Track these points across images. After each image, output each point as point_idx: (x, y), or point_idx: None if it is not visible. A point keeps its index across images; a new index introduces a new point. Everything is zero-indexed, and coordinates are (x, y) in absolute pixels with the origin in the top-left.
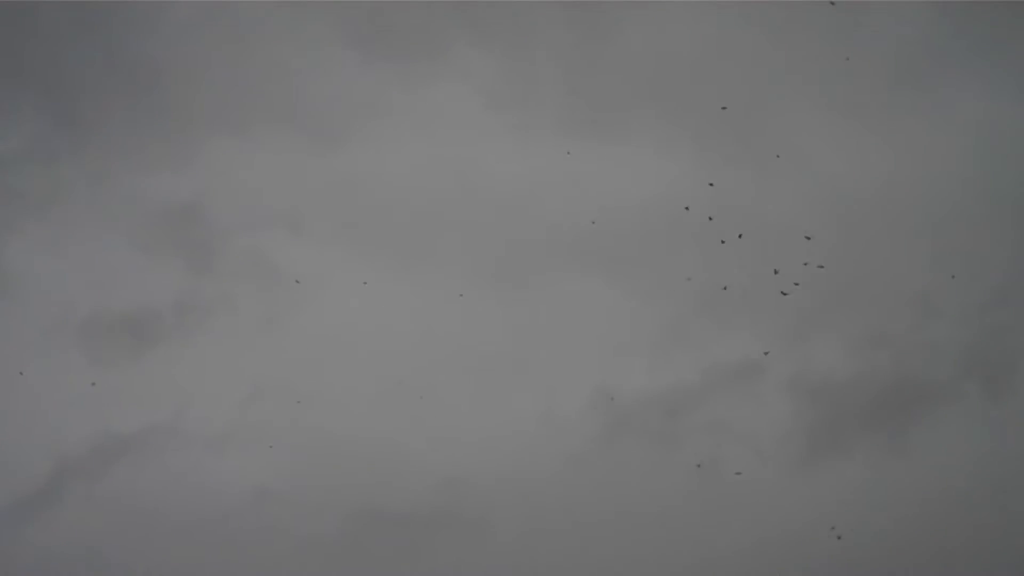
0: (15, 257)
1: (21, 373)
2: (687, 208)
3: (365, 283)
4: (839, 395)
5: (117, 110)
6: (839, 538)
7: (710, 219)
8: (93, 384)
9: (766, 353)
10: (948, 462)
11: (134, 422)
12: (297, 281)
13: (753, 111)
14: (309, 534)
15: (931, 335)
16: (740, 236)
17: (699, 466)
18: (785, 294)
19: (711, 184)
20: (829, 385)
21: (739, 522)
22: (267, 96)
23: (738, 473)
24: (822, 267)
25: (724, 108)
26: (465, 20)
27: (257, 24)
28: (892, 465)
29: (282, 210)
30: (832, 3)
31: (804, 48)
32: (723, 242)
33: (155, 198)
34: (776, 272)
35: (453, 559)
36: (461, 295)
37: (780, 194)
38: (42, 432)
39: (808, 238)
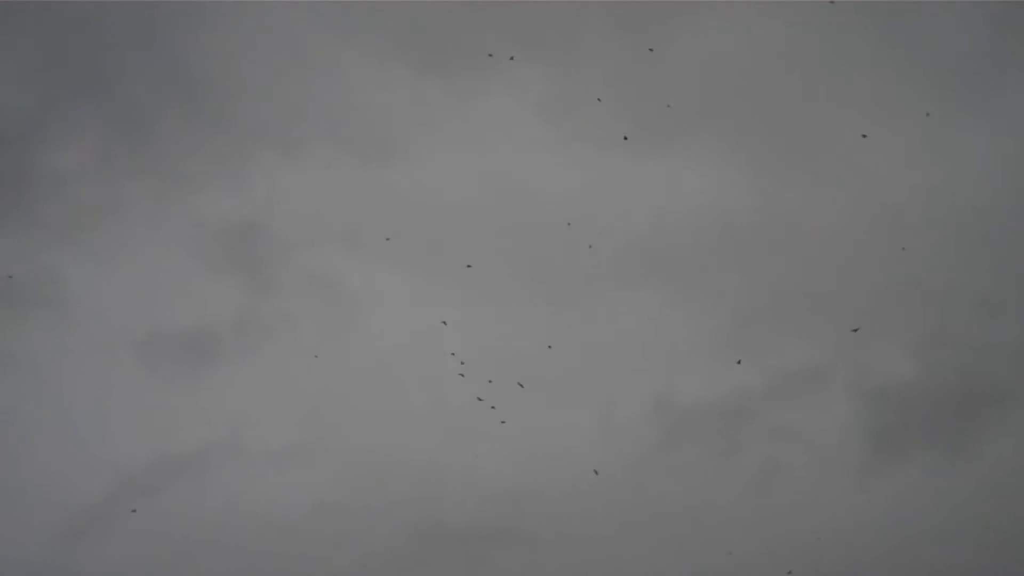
0: (74, 273)
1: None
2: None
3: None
4: (902, 399)
5: (177, 126)
6: None
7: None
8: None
9: (739, 362)
10: (1013, 465)
11: (193, 441)
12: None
13: (804, 118)
14: (368, 549)
15: (994, 337)
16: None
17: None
18: (856, 330)
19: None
20: (891, 389)
21: (801, 527)
22: (321, 112)
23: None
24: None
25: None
26: (514, 32)
27: (311, 39)
28: (956, 469)
29: (338, 227)
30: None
31: (855, 55)
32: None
33: (214, 216)
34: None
35: (511, 572)
36: (518, 307)
37: (833, 200)
38: (101, 451)
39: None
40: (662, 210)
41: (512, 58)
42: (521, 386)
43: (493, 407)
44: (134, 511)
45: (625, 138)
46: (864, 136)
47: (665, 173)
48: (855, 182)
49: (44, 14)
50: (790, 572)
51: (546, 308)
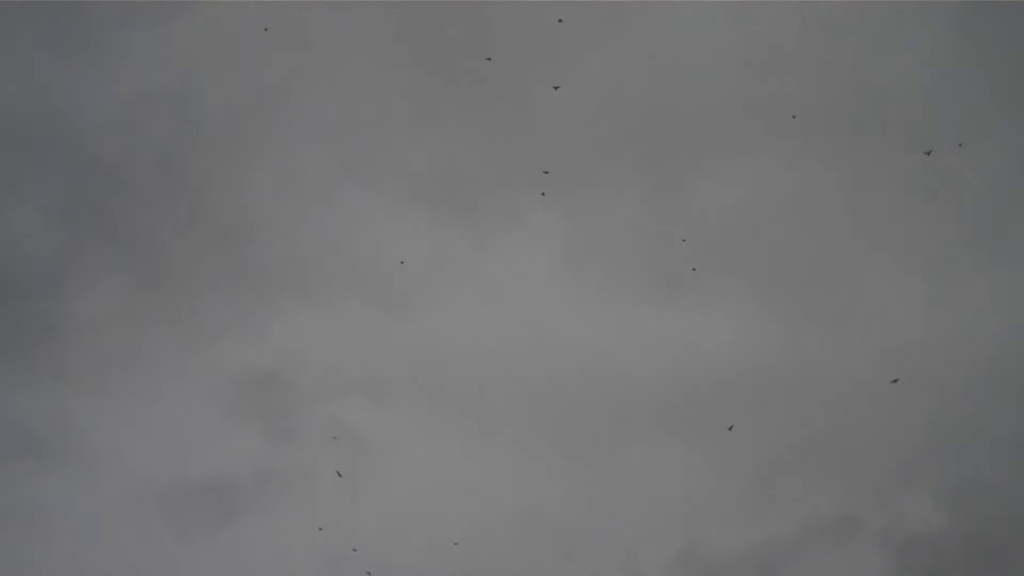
0: (96, 420)
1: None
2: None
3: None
4: (934, 548)
5: (201, 272)
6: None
7: None
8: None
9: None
10: None
11: None
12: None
13: (827, 264)
14: None
15: None
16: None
17: None
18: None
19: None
20: (923, 538)
21: None
22: (344, 260)
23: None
24: None
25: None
26: (538, 181)
27: (335, 186)
28: None
29: (359, 378)
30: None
31: (877, 201)
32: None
33: (236, 365)
34: None
35: None
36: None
37: (859, 346)
38: None
39: (895, 381)
40: (686, 358)
41: (543, 194)
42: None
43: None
44: None
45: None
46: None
47: (688, 321)
48: (881, 327)
49: (69, 159)
50: None
51: (571, 460)
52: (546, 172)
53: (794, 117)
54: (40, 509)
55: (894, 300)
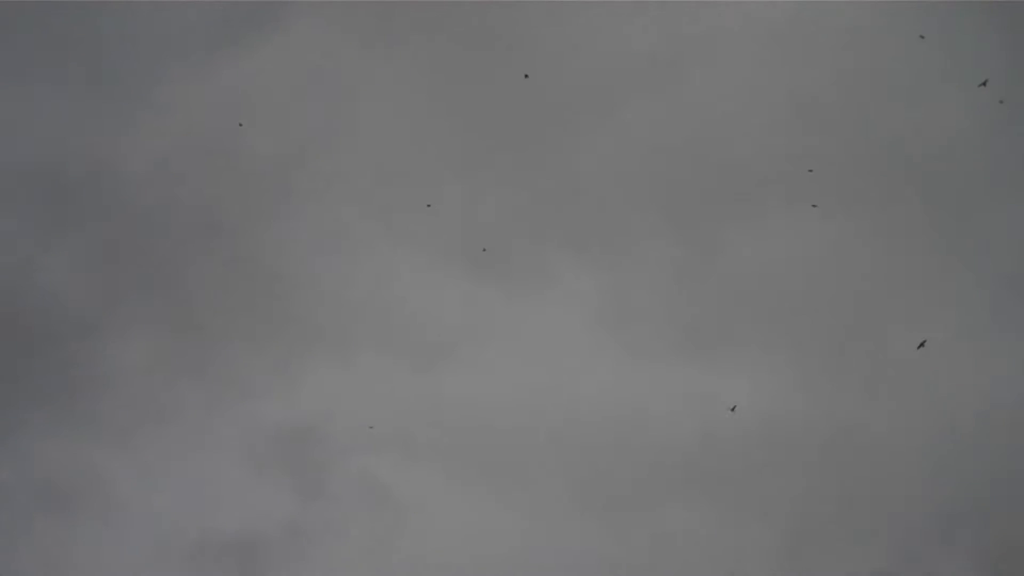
0: (127, 472)
1: None
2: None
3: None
4: None
5: (236, 326)
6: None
7: None
8: None
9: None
10: None
11: None
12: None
13: (856, 325)
14: None
15: None
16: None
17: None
18: None
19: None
20: None
21: None
22: (376, 316)
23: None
24: None
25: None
26: (570, 240)
27: (368, 242)
28: None
29: (390, 434)
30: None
31: (912, 262)
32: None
33: (269, 420)
34: None
35: None
36: (567, 519)
37: (888, 409)
38: None
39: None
40: (716, 417)
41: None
42: None
43: None
44: None
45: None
46: (922, 345)
47: (719, 379)
48: (910, 390)
49: (108, 208)
50: None
51: (597, 516)
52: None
53: (811, 171)
54: (69, 561)
55: (927, 360)
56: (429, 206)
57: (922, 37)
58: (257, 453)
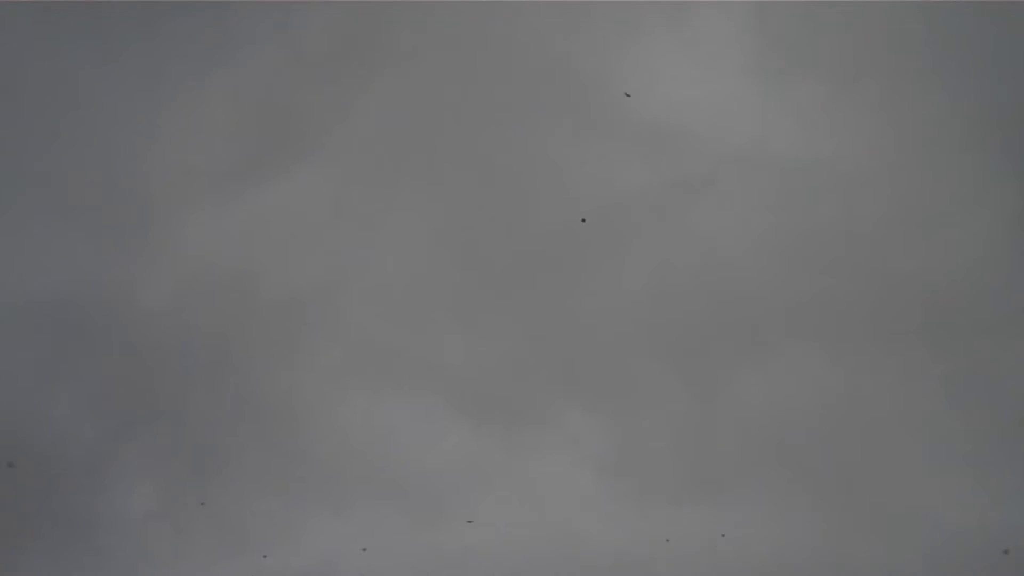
0: None
1: None
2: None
3: None
4: None
5: (241, 471)
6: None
7: None
8: None
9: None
10: None
11: None
12: None
13: (867, 461)
14: None
15: None
16: None
17: None
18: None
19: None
20: None
21: None
22: (375, 464)
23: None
24: None
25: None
26: (573, 385)
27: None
28: None
29: None
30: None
31: (924, 400)
32: None
33: (271, 570)
34: None
35: None
36: None
37: (902, 546)
38: None
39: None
40: (725, 559)
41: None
42: None
43: None
44: None
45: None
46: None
47: (728, 520)
48: (923, 526)
49: (118, 344)
50: None
51: None
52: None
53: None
54: None
55: (938, 499)
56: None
57: None
58: None
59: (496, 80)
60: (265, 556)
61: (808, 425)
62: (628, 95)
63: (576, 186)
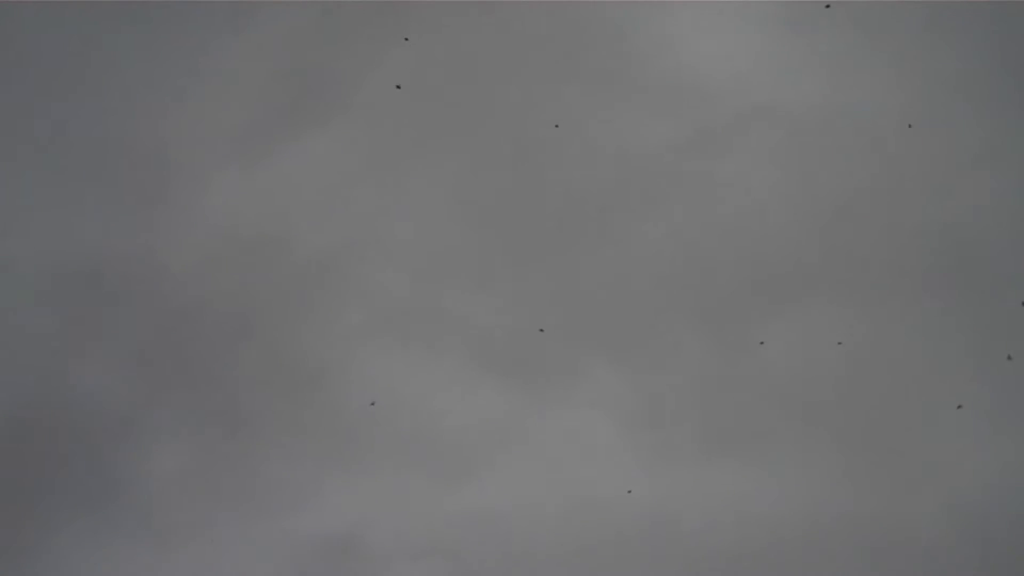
0: None
1: None
2: None
3: None
4: None
5: (272, 431)
6: None
7: None
8: None
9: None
10: None
11: None
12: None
13: (896, 416)
14: None
15: None
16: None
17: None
18: None
19: None
20: None
21: None
22: (399, 426)
23: None
24: None
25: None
26: (599, 342)
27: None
28: None
29: (426, 545)
30: None
31: (949, 354)
32: None
33: (305, 531)
34: None
35: None
36: None
37: (929, 503)
38: None
39: None
40: (748, 515)
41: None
42: None
43: None
44: None
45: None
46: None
47: (750, 477)
48: (951, 480)
49: (149, 307)
50: None
51: None
52: None
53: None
54: None
55: (968, 452)
56: None
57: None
58: (294, 566)
59: (521, 39)
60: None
61: (835, 379)
62: None
63: (599, 144)
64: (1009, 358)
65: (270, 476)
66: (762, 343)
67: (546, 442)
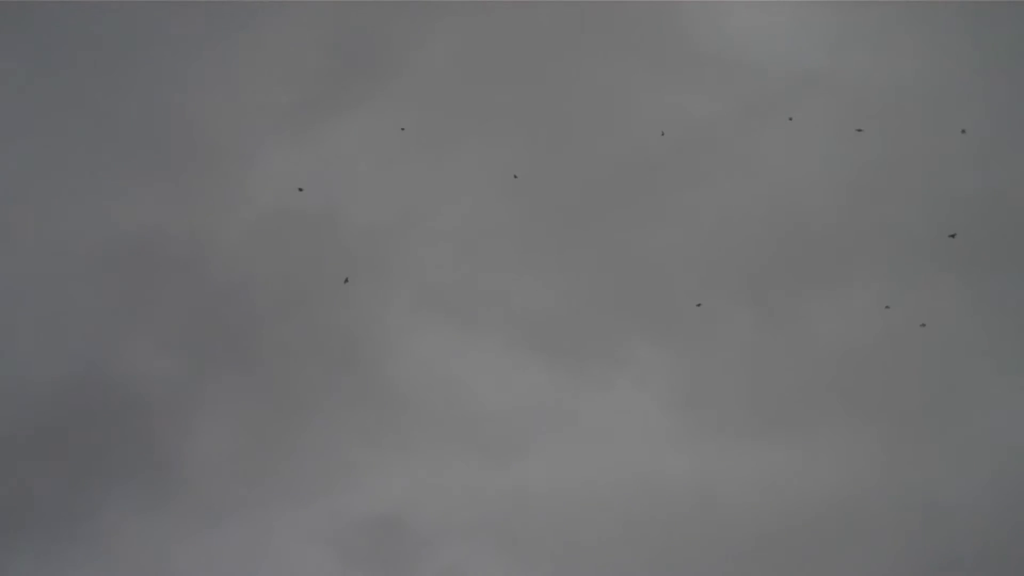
0: (205, 564)
1: None
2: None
3: None
4: None
5: (318, 410)
6: None
7: None
8: None
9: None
10: None
11: None
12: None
13: (942, 392)
14: None
15: None
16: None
17: None
18: None
19: None
20: None
21: None
22: (445, 405)
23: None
24: None
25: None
26: (643, 320)
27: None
28: None
29: (471, 524)
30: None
31: (992, 327)
32: None
33: (351, 510)
34: None
35: None
36: None
37: (975, 477)
38: None
39: None
40: (791, 491)
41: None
42: None
43: None
44: None
45: None
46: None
47: (795, 452)
48: (992, 454)
49: (197, 282)
50: None
51: None
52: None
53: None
54: None
55: (1010, 425)
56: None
57: None
58: (340, 545)
59: (570, 15)
60: None
61: (881, 353)
62: None
63: (644, 120)
64: None
65: (317, 454)
66: (805, 319)
67: (591, 421)
